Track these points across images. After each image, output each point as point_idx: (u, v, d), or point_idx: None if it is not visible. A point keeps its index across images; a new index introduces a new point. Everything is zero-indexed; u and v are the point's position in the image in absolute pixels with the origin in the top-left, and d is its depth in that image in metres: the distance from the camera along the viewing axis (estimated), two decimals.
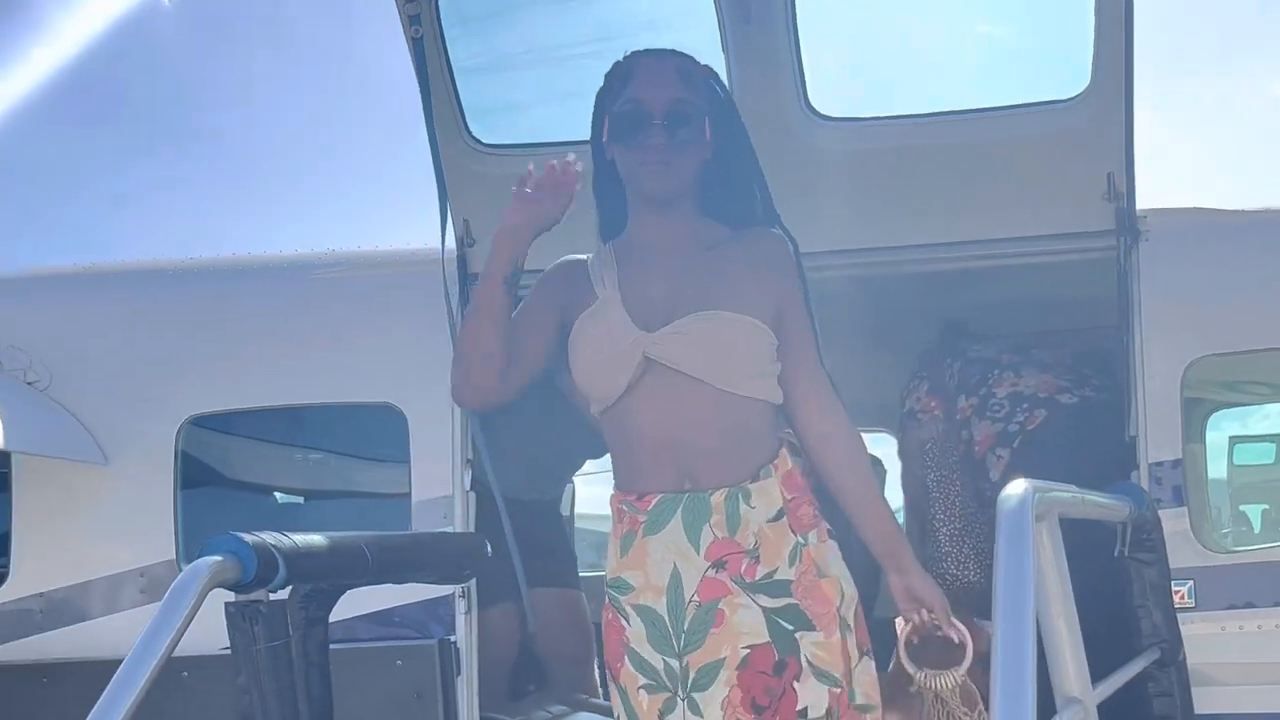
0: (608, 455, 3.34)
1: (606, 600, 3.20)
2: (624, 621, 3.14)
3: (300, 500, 6.09)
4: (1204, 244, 5.05)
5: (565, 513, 6.14)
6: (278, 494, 6.04)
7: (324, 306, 5.49)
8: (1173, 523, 4.45)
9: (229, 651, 2.97)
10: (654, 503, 3.09)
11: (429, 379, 5.08)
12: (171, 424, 5.35)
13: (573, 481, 6.20)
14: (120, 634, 5.08)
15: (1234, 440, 6.49)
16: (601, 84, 3.30)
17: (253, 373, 5.39)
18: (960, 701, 3.22)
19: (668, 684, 3.08)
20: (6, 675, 5.25)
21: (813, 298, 3.31)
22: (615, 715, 3.24)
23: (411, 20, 4.62)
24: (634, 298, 3.16)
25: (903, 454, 5.58)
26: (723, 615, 3.04)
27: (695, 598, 3.05)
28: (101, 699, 2.49)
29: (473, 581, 4.85)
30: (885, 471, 5.66)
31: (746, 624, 3.04)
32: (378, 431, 5.30)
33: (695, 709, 3.05)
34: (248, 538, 2.84)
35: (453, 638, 4.92)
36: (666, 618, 3.08)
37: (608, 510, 3.26)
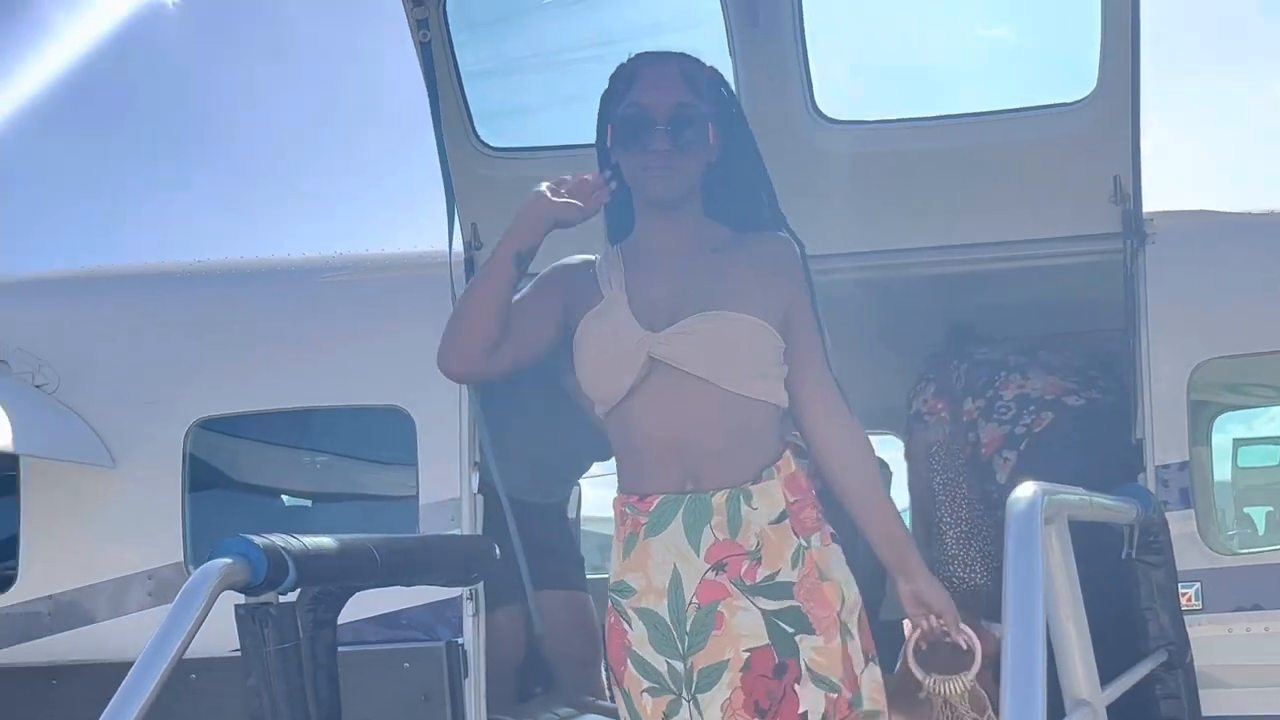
0: (614, 458, 3.34)
1: (609, 604, 3.20)
2: (626, 625, 3.14)
3: (308, 503, 6.10)
4: (1210, 247, 5.05)
5: (571, 515, 6.15)
6: (285, 496, 6.05)
7: (331, 309, 5.50)
8: (1180, 525, 4.46)
9: (237, 654, 2.97)
10: (655, 504, 3.08)
11: (436, 382, 5.08)
12: (179, 427, 5.36)
13: (578, 484, 6.21)
14: (128, 636, 5.11)
15: (1238, 443, 6.49)
16: (606, 86, 3.29)
17: (260, 376, 5.40)
18: (969, 707, 3.22)
19: (671, 686, 3.08)
20: (15, 677, 5.26)
21: (819, 301, 3.31)
22: (620, 719, 3.23)
23: (419, 25, 4.63)
24: (640, 298, 3.15)
25: (909, 456, 5.58)
26: (722, 618, 3.04)
27: (694, 600, 3.05)
28: (114, 700, 2.50)
29: (480, 584, 4.86)
30: (891, 474, 5.67)
31: (746, 626, 3.03)
32: (385, 434, 5.31)
33: (699, 710, 3.04)
34: (258, 540, 2.84)
35: (460, 640, 4.93)
36: (669, 620, 3.07)
37: (612, 513, 3.26)
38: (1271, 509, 7.01)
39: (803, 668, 3.02)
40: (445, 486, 5.06)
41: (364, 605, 4.02)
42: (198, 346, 5.49)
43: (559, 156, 4.54)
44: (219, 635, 2.89)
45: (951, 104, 4.98)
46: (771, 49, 4.77)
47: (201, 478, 5.42)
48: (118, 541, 5.37)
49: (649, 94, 3.15)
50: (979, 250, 5.01)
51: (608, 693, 5.57)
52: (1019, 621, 2.23)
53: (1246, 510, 6.94)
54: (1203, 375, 4.85)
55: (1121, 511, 3.55)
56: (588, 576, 5.81)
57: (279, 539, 2.89)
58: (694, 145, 3.15)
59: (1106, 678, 3.00)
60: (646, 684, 3.11)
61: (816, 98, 4.92)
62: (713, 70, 3.28)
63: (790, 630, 3.03)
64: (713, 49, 4.16)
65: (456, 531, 4.95)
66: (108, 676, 2.64)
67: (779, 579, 3.05)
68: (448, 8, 4.69)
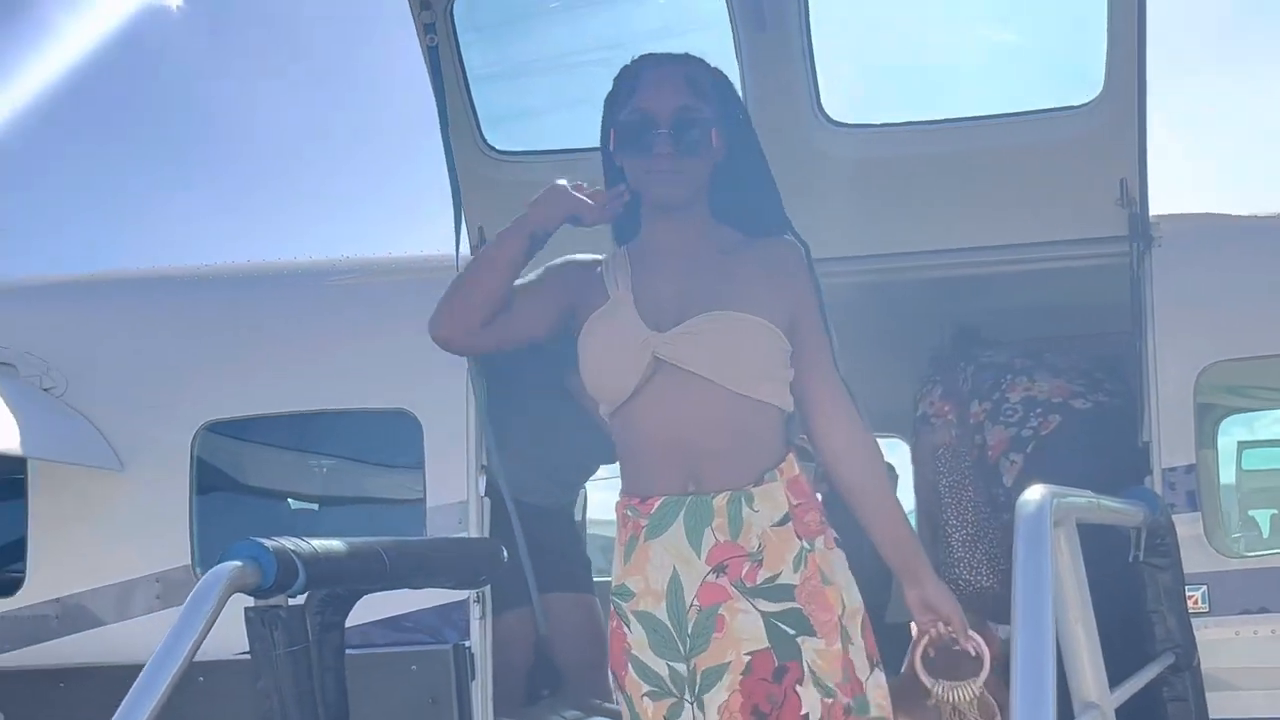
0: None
1: (611, 608, 3.18)
2: (626, 628, 3.12)
3: (315, 506, 6.11)
4: (1216, 249, 5.07)
5: (578, 518, 6.16)
6: (292, 499, 6.06)
7: (339, 313, 5.52)
8: (1186, 528, 4.45)
9: (242, 656, 2.97)
10: (657, 506, 3.06)
11: (444, 385, 5.11)
12: (187, 430, 5.37)
13: (585, 487, 6.21)
14: (135, 639, 5.12)
15: (1243, 445, 6.49)
16: (610, 88, 3.28)
17: (267, 379, 5.42)
18: (979, 714, 3.20)
19: (673, 690, 3.06)
20: (23, 680, 5.27)
21: (826, 303, 3.30)
22: None
23: (427, 28, 4.64)
24: (646, 299, 3.14)
25: (915, 459, 5.59)
26: (723, 620, 3.01)
27: (695, 602, 3.03)
28: (125, 702, 2.50)
29: (487, 587, 4.86)
30: (898, 476, 5.68)
31: (746, 629, 3.01)
32: (393, 437, 5.33)
33: (702, 712, 3.02)
34: (267, 543, 2.84)
35: (467, 643, 4.94)
36: (668, 622, 3.05)
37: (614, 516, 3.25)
38: (1276, 511, 7.01)
39: (805, 669, 3.00)
40: (452, 489, 5.08)
41: (372, 608, 4.03)
42: (205, 350, 5.50)
43: (566, 160, 4.54)
44: (225, 637, 2.89)
45: (958, 107, 4.99)
46: (778, 52, 4.78)
47: (209, 481, 5.44)
48: (125, 544, 5.38)
49: (652, 97, 3.14)
50: (985, 253, 5.01)
51: (614, 695, 5.57)
52: (1029, 624, 2.22)
53: (1251, 513, 6.94)
54: (1209, 378, 4.85)
55: (1129, 514, 3.55)
56: (595, 579, 5.82)
57: (289, 542, 2.89)
58: (698, 148, 3.13)
59: (1113, 681, 3.00)
60: (647, 688, 3.09)
61: (823, 101, 4.93)
62: (717, 72, 3.26)
63: (792, 632, 3.01)
64: (719, 52, 4.16)
65: (463, 534, 4.96)
66: (115, 679, 2.65)
67: (780, 581, 3.03)
68: (454, 11, 4.70)
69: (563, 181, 3.22)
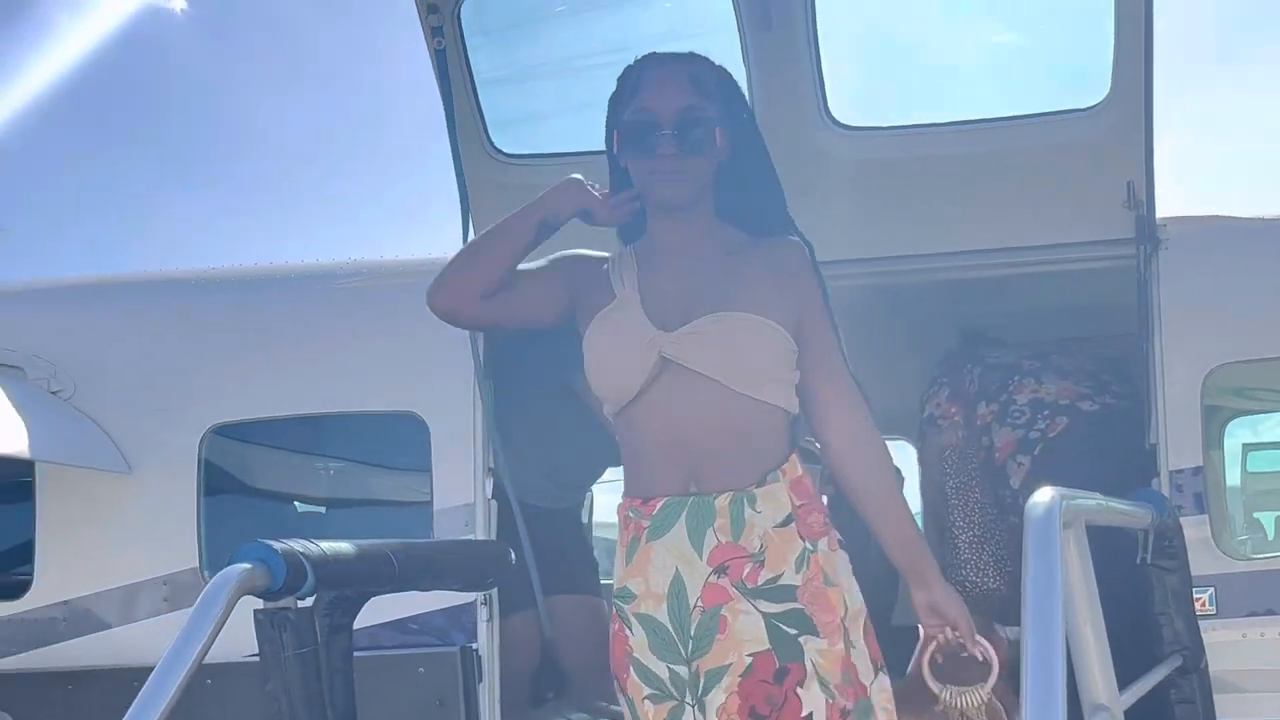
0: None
1: (613, 610, 3.17)
2: (628, 631, 3.11)
3: (322, 509, 6.11)
4: (1223, 252, 5.06)
5: (584, 520, 6.16)
6: (300, 502, 6.06)
7: (346, 316, 5.51)
8: (1194, 530, 4.45)
9: (250, 659, 2.98)
10: (659, 507, 3.05)
11: (451, 388, 5.11)
12: (195, 433, 5.37)
13: (591, 490, 6.21)
14: (143, 642, 5.13)
15: (1248, 448, 6.48)
16: (613, 89, 3.28)
17: (275, 382, 5.42)
18: (986, 719, 3.19)
19: (674, 692, 3.05)
20: (31, 682, 5.28)
21: (832, 304, 3.29)
22: None
23: (434, 32, 4.66)
24: (652, 298, 3.13)
25: (922, 460, 5.58)
26: (726, 622, 3.00)
27: (699, 603, 3.02)
28: (135, 704, 2.51)
29: (494, 589, 4.87)
30: (903, 479, 5.68)
31: (748, 631, 3.00)
32: (400, 440, 5.33)
33: (704, 714, 3.02)
34: (276, 545, 2.85)
35: (474, 645, 4.94)
36: (669, 625, 3.04)
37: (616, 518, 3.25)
38: None
39: (808, 669, 2.99)
40: (459, 492, 5.08)
41: (379, 610, 4.03)
42: (213, 353, 5.50)
43: (572, 163, 4.52)
44: (232, 639, 2.89)
45: (965, 110, 4.99)
46: (784, 54, 4.78)
47: (217, 483, 5.44)
48: (133, 547, 5.38)
49: (654, 98, 3.13)
50: (992, 256, 5.02)
51: (617, 698, 5.57)
52: (1038, 626, 2.23)
53: (1256, 515, 6.93)
54: (1216, 380, 4.85)
55: (1137, 516, 3.55)
56: (601, 581, 5.82)
57: (297, 544, 2.89)
58: (702, 148, 3.13)
59: (1121, 683, 3.00)
60: (648, 690, 3.08)
61: (829, 103, 4.94)
62: (721, 70, 3.25)
63: (793, 632, 3.00)
64: (725, 54, 4.17)
65: (470, 537, 4.96)
66: (123, 682, 2.66)
67: (782, 582, 3.02)
68: (462, 15, 4.71)
69: (578, 176, 3.25)
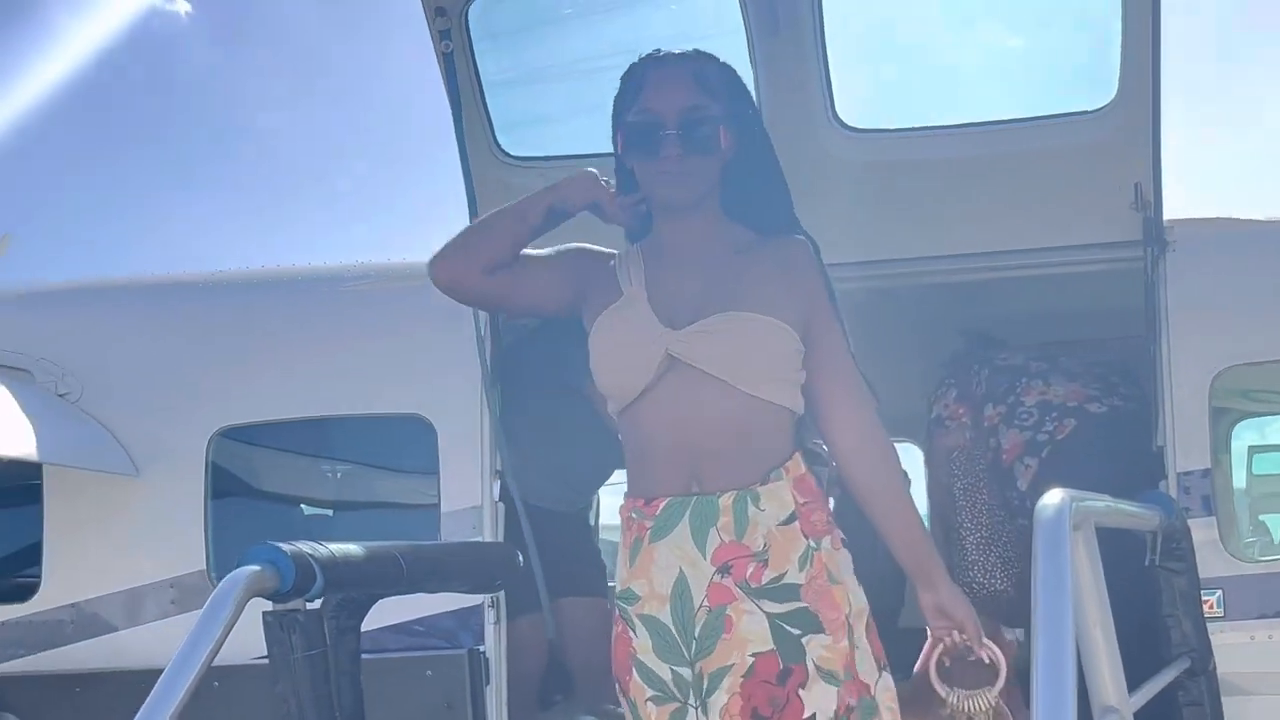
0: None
1: (616, 613, 3.15)
2: (631, 632, 3.09)
3: (329, 511, 6.11)
4: (1231, 253, 5.06)
5: (592, 523, 6.16)
6: (307, 505, 6.06)
7: (353, 319, 5.52)
8: (1201, 532, 4.44)
9: (256, 662, 2.97)
10: (662, 507, 3.03)
11: (458, 390, 5.11)
12: (202, 436, 5.38)
13: (598, 492, 6.21)
14: (151, 644, 5.14)
15: (1253, 450, 6.48)
16: (620, 87, 3.25)
17: (282, 384, 5.42)
18: None
19: (677, 694, 3.03)
20: (38, 684, 5.29)
21: (841, 309, 3.28)
22: None
23: (442, 35, 4.66)
24: (659, 296, 3.11)
25: (929, 461, 5.59)
26: (730, 621, 2.98)
27: (705, 603, 3.00)
28: (145, 706, 2.51)
29: (502, 592, 4.87)
30: (910, 482, 5.67)
31: (752, 631, 2.98)
32: (407, 443, 5.33)
33: (707, 716, 3.00)
34: (285, 547, 2.85)
35: (482, 648, 4.94)
36: (672, 626, 3.02)
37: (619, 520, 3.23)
38: None
39: (810, 669, 2.97)
40: (466, 494, 5.08)
41: (387, 613, 4.04)
42: (220, 355, 5.51)
43: (580, 165, 4.53)
44: (240, 642, 2.89)
45: (972, 112, 5.00)
46: (792, 57, 4.79)
47: (224, 486, 5.44)
48: (140, 550, 5.39)
49: (657, 98, 3.11)
50: (999, 258, 5.02)
51: (620, 701, 5.57)
52: (1048, 628, 2.22)
53: (1261, 518, 6.92)
54: (1224, 382, 4.85)
55: (1145, 518, 3.55)
56: (609, 584, 5.82)
57: (306, 546, 2.90)
58: (706, 147, 3.10)
59: (1129, 685, 2.99)
60: (651, 692, 3.06)
61: (837, 106, 4.94)
62: (725, 67, 3.23)
63: (797, 632, 2.98)
64: (733, 57, 4.18)
65: (478, 539, 4.96)
66: (131, 684, 2.66)
67: (785, 581, 2.99)
68: (469, 18, 4.71)
69: (594, 170, 3.24)
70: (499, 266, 3.19)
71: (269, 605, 2.91)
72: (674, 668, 3.03)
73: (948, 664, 3.13)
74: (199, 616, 2.70)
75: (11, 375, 5.48)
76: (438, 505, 5.14)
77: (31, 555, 5.49)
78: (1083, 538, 2.68)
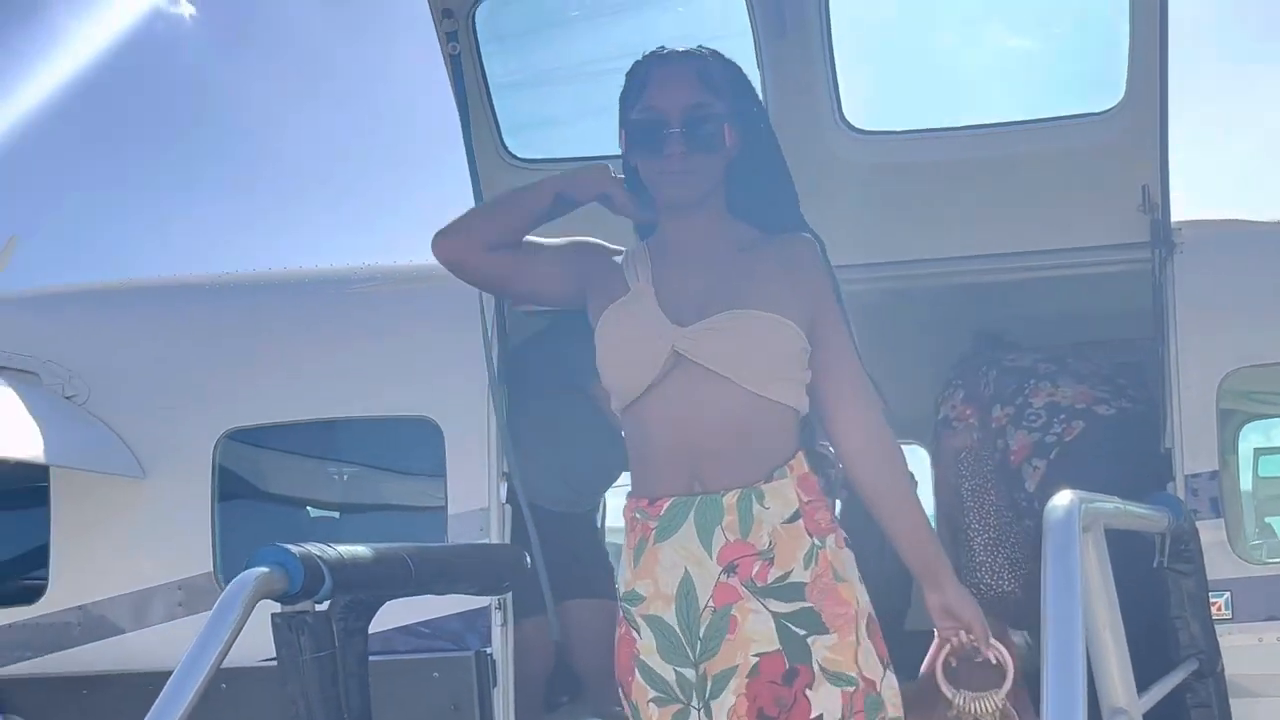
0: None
1: (620, 615, 3.14)
2: (636, 634, 3.07)
3: (336, 513, 6.11)
4: (1238, 255, 5.06)
5: (599, 525, 6.16)
6: (314, 507, 6.06)
7: (360, 321, 5.52)
8: (1209, 534, 4.44)
9: (264, 664, 2.97)
10: (666, 507, 3.02)
11: (465, 392, 5.11)
12: (209, 438, 5.38)
13: (605, 494, 6.21)
14: (158, 647, 5.14)
15: (1259, 452, 6.47)
16: (624, 85, 3.24)
17: (289, 386, 5.43)
18: None
19: (679, 695, 3.02)
20: (45, 687, 5.29)
21: (848, 310, 3.27)
22: None
23: (449, 37, 4.66)
24: (667, 293, 3.10)
25: (937, 461, 5.58)
26: (735, 621, 2.97)
27: (710, 603, 2.98)
28: (155, 708, 2.51)
29: (509, 594, 4.87)
30: (916, 483, 5.66)
31: (757, 631, 2.96)
32: (414, 445, 5.33)
33: (710, 718, 2.99)
34: (294, 549, 2.85)
35: (489, 650, 4.94)
36: (676, 627, 3.01)
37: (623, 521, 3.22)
38: None
39: (816, 670, 2.96)
40: (474, 497, 5.08)
41: (394, 615, 4.04)
42: (227, 358, 5.51)
43: None
44: (249, 645, 2.89)
45: (979, 114, 5.00)
46: (799, 59, 4.79)
47: (231, 488, 5.44)
48: (147, 552, 5.39)
49: (661, 96, 3.09)
50: (1006, 260, 5.02)
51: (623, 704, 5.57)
52: (1058, 630, 2.22)
53: (1267, 520, 6.91)
54: (1232, 384, 4.85)
55: (1154, 520, 3.55)
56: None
57: (315, 548, 2.90)
58: (710, 146, 3.09)
59: (1137, 687, 2.99)
60: (653, 693, 3.05)
61: (844, 107, 4.94)
62: (730, 64, 3.21)
63: (802, 633, 2.97)
64: (741, 59, 4.18)
65: (485, 541, 4.97)
66: (138, 687, 2.66)
67: (791, 579, 2.98)
68: (476, 20, 4.72)
69: (607, 164, 3.23)
70: (502, 246, 3.19)
71: (277, 607, 2.92)
72: (678, 669, 3.02)
73: (954, 664, 3.12)
74: (208, 618, 2.70)
75: (18, 378, 5.49)
76: (445, 507, 5.14)
77: (38, 557, 5.50)
78: (1092, 539, 2.68)
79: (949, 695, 3.12)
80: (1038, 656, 2.29)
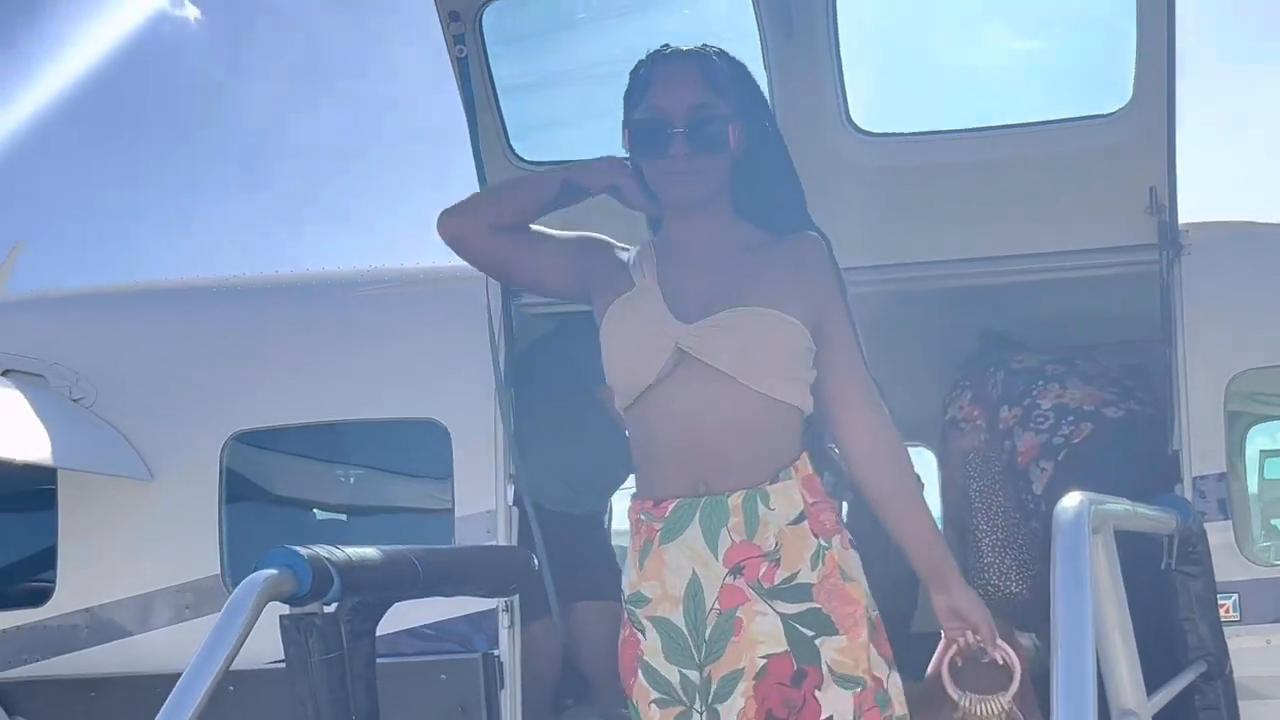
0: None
1: (624, 617, 3.13)
2: (640, 635, 3.06)
3: (344, 516, 6.12)
4: (1246, 257, 5.05)
5: (606, 527, 6.16)
6: (321, 509, 6.07)
7: (367, 323, 5.52)
8: (1217, 536, 4.43)
9: (272, 666, 2.97)
10: (671, 508, 3.01)
11: (472, 395, 5.12)
12: (216, 440, 5.38)
13: (612, 497, 6.21)
14: (165, 649, 5.14)
15: (1265, 454, 6.47)
16: (628, 84, 3.23)
17: (296, 389, 5.43)
18: None
19: (682, 697, 3.01)
20: (53, 689, 5.30)
21: (854, 312, 3.26)
22: None
23: (456, 40, 4.67)
24: (672, 290, 3.08)
25: (944, 463, 5.57)
26: (741, 623, 2.96)
27: (716, 605, 2.97)
28: (164, 710, 2.51)
29: (517, 596, 4.87)
30: (923, 485, 5.66)
31: (764, 632, 2.95)
32: (421, 447, 5.33)
33: None
34: (302, 551, 2.85)
35: (496, 652, 4.94)
36: (684, 628, 3.00)
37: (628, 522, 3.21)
38: None
39: (824, 672, 2.95)
40: (480, 499, 5.08)
41: (401, 617, 4.04)
42: (234, 360, 5.52)
43: None
44: (256, 648, 2.89)
45: (986, 116, 5.00)
46: (806, 61, 4.79)
47: (238, 491, 5.45)
48: (155, 554, 5.39)
49: (665, 96, 3.08)
50: (1015, 262, 5.01)
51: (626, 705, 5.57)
52: (1068, 632, 2.22)
53: (1274, 522, 6.91)
54: (1239, 386, 4.84)
55: (1162, 522, 3.55)
56: None
57: (323, 550, 2.90)
58: (714, 146, 3.07)
59: (1146, 688, 2.99)
60: (655, 694, 3.03)
61: (850, 110, 4.94)
62: (735, 63, 3.20)
63: (810, 634, 2.96)
64: (747, 61, 4.18)
65: (492, 544, 4.97)
66: (145, 689, 2.66)
67: (798, 580, 2.97)
68: (484, 23, 4.72)
69: (616, 156, 3.21)
70: (507, 229, 3.19)
71: (285, 609, 2.92)
72: (682, 670, 3.01)
73: (959, 664, 3.11)
74: (216, 620, 2.70)
75: (26, 380, 5.50)
76: (451, 509, 5.14)
77: (46, 560, 5.50)
78: (1101, 541, 2.68)
79: (954, 697, 3.12)
80: (1045, 658, 2.29)
